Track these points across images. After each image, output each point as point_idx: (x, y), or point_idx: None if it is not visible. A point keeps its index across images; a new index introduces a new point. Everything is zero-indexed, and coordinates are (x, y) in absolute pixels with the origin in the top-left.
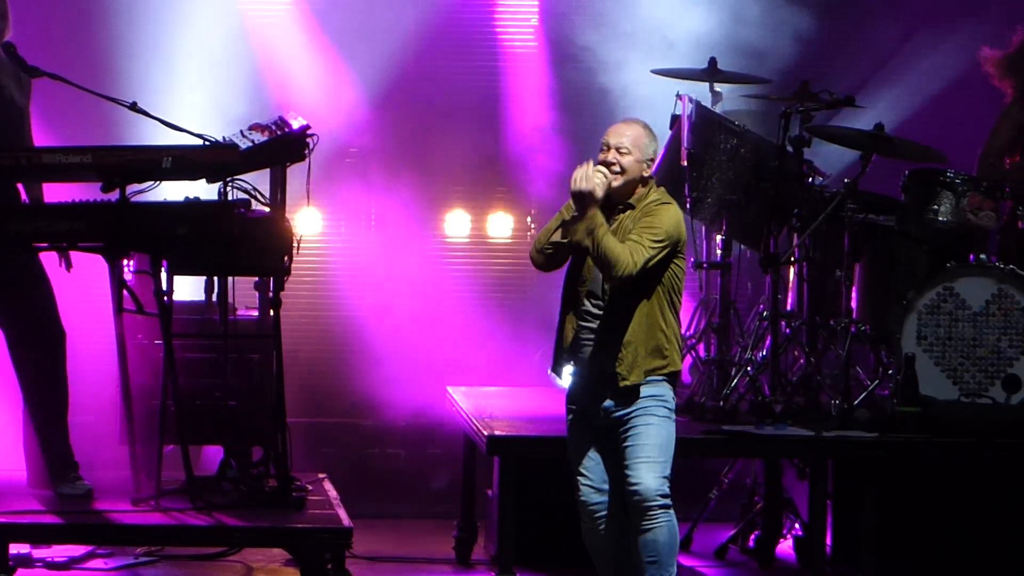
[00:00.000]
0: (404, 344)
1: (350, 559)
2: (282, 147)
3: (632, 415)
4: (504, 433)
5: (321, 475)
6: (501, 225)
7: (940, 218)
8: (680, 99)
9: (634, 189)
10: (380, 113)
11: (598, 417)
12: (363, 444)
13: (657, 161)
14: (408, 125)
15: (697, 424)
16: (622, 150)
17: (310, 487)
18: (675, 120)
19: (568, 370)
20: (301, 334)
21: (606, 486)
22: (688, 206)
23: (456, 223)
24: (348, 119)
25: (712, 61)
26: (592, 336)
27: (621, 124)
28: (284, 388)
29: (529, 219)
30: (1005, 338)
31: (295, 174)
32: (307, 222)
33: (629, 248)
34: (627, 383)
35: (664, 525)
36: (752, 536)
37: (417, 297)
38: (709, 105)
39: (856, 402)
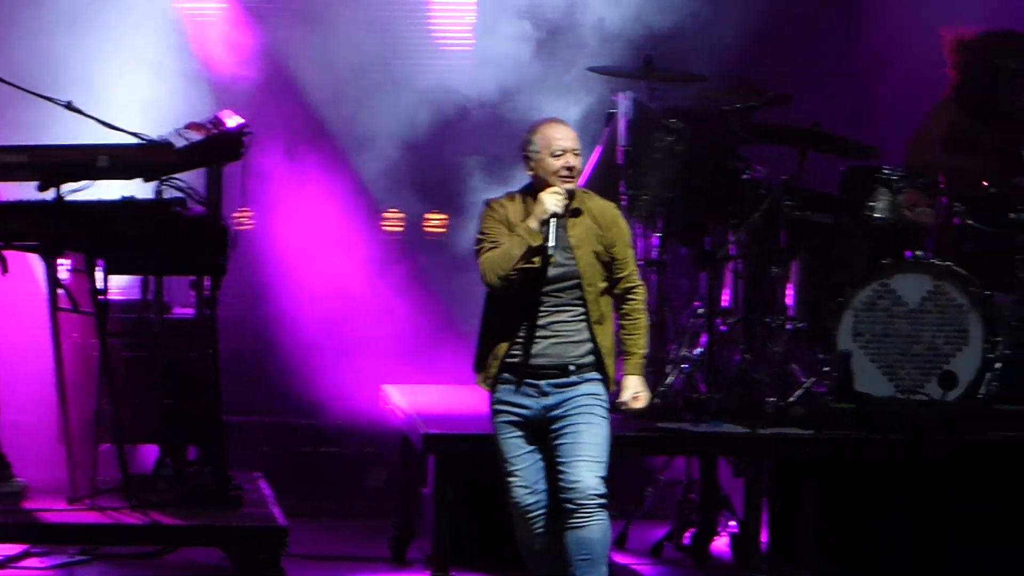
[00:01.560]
0: (340, 342)
1: (285, 558)
2: (218, 146)
3: (570, 413)
4: (440, 431)
5: (257, 474)
6: (437, 223)
7: (877, 215)
8: (616, 97)
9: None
10: (317, 111)
11: (537, 416)
12: (299, 443)
13: (593, 159)
14: (345, 123)
15: (633, 421)
16: (576, 151)
17: (246, 486)
18: (611, 118)
19: (493, 371)
20: (237, 332)
21: (540, 486)
22: (624, 204)
23: (392, 220)
24: (284, 117)
25: (648, 59)
26: (553, 333)
27: (562, 126)
28: (220, 387)
29: (465, 217)
30: (941, 335)
31: (231, 172)
32: (243, 220)
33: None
34: (608, 373)
35: (599, 523)
36: (688, 534)
37: (353, 295)
38: (645, 103)
39: (792, 399)
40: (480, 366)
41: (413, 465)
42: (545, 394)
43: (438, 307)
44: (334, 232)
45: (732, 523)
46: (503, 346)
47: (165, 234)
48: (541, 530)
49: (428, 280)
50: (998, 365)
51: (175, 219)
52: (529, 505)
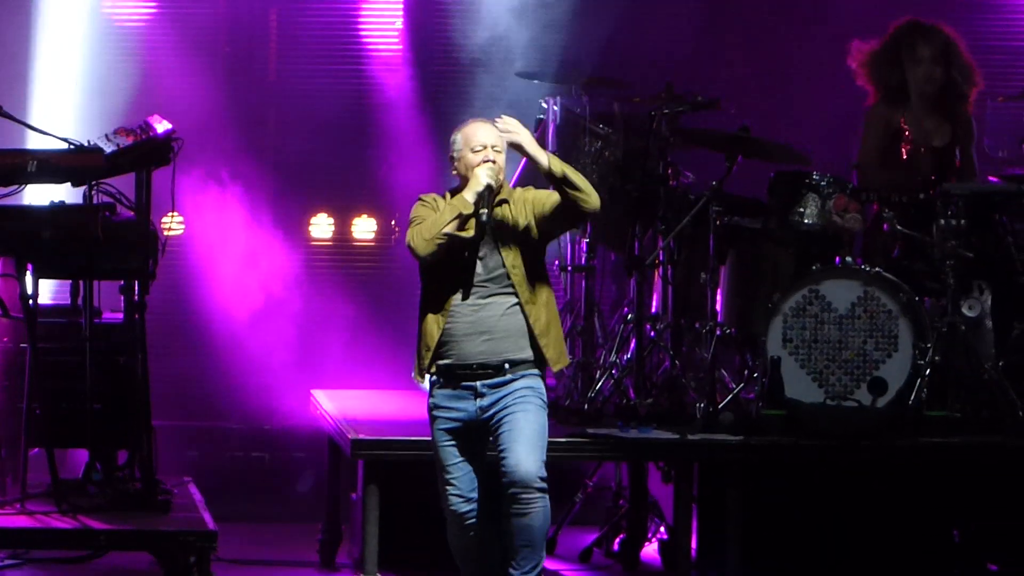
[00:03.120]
0: (269, 347)
1: (215, 562)
2: (147, 151)
3: (507, 405)
4: (368, 436)
5: (186, 478)
6: (365, 228)
7: (806, 220)
8: (545, 102)
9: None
10: (245, 116)
11: (473, 418)
12: (228, 447)
13: (522, 164)
14: (273, 128)
15: (562, 427)
16: (497, 148)
17: (175, 490)
18: (540, 123)
19: (426, 362)
20: (166, 337)
21: (474, 495)
22: None
23: (320, 226)
24: (213, 122)
25: (575, 64)
26: (486, 329)
27: (483, 124)
28: (149, 391)
29: (393, 222)
30: (871, 340)
31: (160, 178)
32: (172, 225)
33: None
34: (560, 366)
35: (540, 509)
36: (617, 539)
37: (281, 300)
38: (573, 108)
39: (721, 405)
40: (417, 363)
41: (342, 470)
42: (481, 395)
43: (367, 312)
44: (263, 237)
45: (661, 529)
46: (435, 339)
47: (94, 239)
48: (474, 535)
49: (357, 285)
50: (927, 371)
51: (104, 224)
52: (463, 513)
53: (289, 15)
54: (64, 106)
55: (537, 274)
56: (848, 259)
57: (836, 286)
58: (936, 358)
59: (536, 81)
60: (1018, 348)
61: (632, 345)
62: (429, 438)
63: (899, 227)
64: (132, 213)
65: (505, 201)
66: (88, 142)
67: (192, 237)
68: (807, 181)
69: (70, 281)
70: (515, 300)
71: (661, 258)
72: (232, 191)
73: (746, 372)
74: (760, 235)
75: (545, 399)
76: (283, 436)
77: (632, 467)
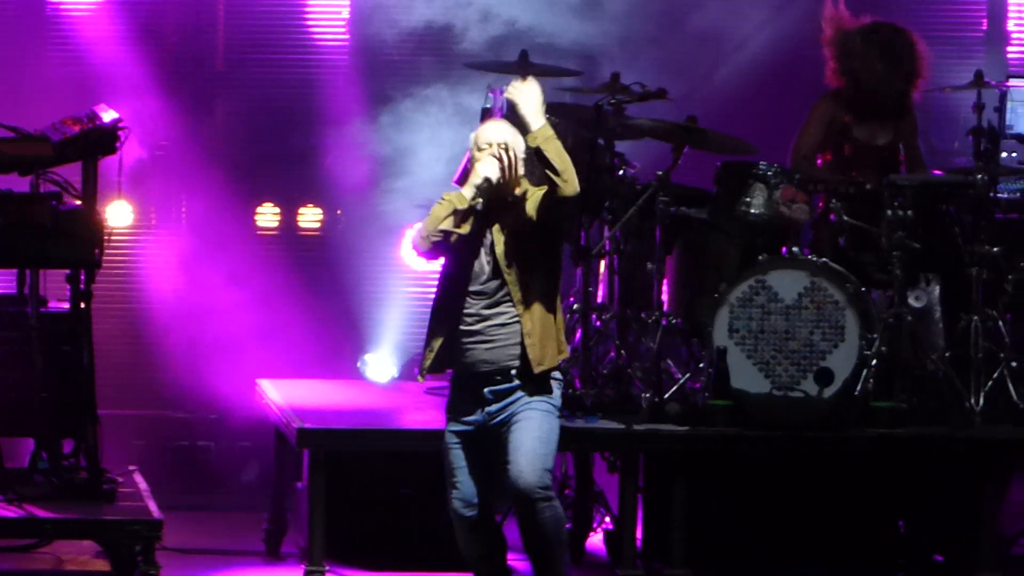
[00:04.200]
0: (215, 336)
1: (160, 551)
2: (94, 140)
3: (516, 411)
4: (314, 426)
5: (132, 467)
6: (311, 218)
7: (752, 211)
8: (491, 92)
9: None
10: (191, 106)
11: (482, 423)
12: (174, 436)
13: (468, 153)
14: (220, 118)
15: None
16: (504, 145)
17: (121, 479)
18: (486, 113)
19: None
20: (112, 326)
21: (475, 500)
22: None
23: (266, 215)
24: (160, 111)
25: (523, 54)
26: (489, 338)
27: (496, 123)
28: (95, 380)
29: (339, 211)
30: (818, 331)
31: (107, 166)
32: (118, 215)
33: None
34: (543, 367)
35: (547, 518)
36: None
37: (227, 289)
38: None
39: (667, 395)
40: (421, 366)
41: (287, 459)
42: (488, 401)
43: (313, 302)
44: (210, 226)
45: (607, 519)
46: (439, 341)
47: (40, 228)
48: (477, 538)
49: (303, 275)
50: (874, 362)
51: (51, 213)
52: (466, 517)
53: (236, 4)
54: (8, 95)
55: (539, 274)
56: (795, 249)
57: (783, 276)
58: (883, 349)
59: (483, 71)
60: (965, 339)
61: (578, 335)
62: (374, 428)
63: (846, 218)
64: (79, 202)
65: (515, 200)
66: (35, 131)
67: (138, 226)
68: (754, 171)
69: (16, 270)
70: (512, 303)
71: (608, 248)
72: (179, 180)
73: (692, 362)
74: (707, 225)
75: (556, 401)
76: (229, 425)
77: (578, 457)
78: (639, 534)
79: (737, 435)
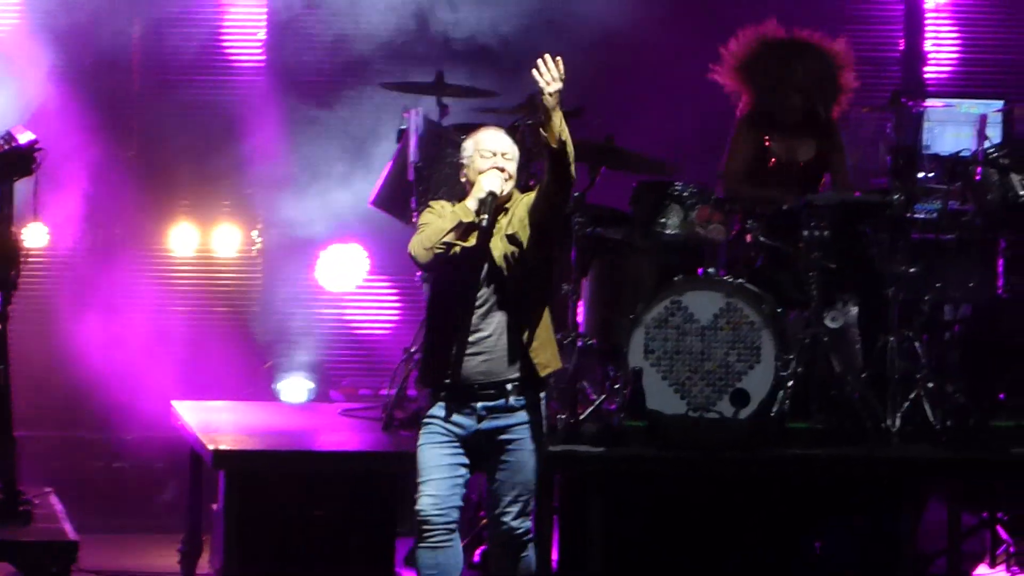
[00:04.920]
0: (130, 358)
1: (76, 573)
2: (9, 161)
3: (507, 443)
4: (229, 447)
5: (47, 489)
6: (227, 239)
7: (668, 231)
8: (407, 113)
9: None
10: (109, 127)
11: (469, 436)
12: (90, 458)
13: (384, 174)
14: (136, 139)
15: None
16: (508, 156)
17: (36, 501)
18: (402, 134)
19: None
20: (28, 347)
21: (449, 503)
22: (415, 220)
23: (182, 237)
24: (77, 133)
25: (439, 74)
26: (485, 349)
27: (496, 131)
28: (11, 401)
29: (256, 232)
30: (734, 352)
31: (23, 188)
32: (34, 236)
33: None
34: (549, 370)
35: (530, 561)
36: (478, 551)
37: (143, 311)
38: (435, 119)
39: (583, 416)
40: (422, 381)
41: (203, 481)
42: (481, 417)
43: (228, 322)
44: (126, 247)
45: None
46: (436, 355)
47: None
48: (444, 546)
49: (218, 295)
50: (790, 383)
51: None
52: (432, 516)
53: (152, 26)
54: None
55: (533, 283)
56: (711, 270)
57: (698, 297)
58: (799, 370)
59: (399, 91)
60: (882, 360)
61: None
62: (291, 450)
63: (763, 238)
64: None
65: (506, 210)
66: None
67: (54, 247)
68: (670, 191)
69: None
70: (508, 313)
71: None
72: (95, 201)
73: (608, 383)
74: (623, 246)
75: (543, 426)
76: (144, 446)
77: None
78: (555, 555)
79: (653, 456)
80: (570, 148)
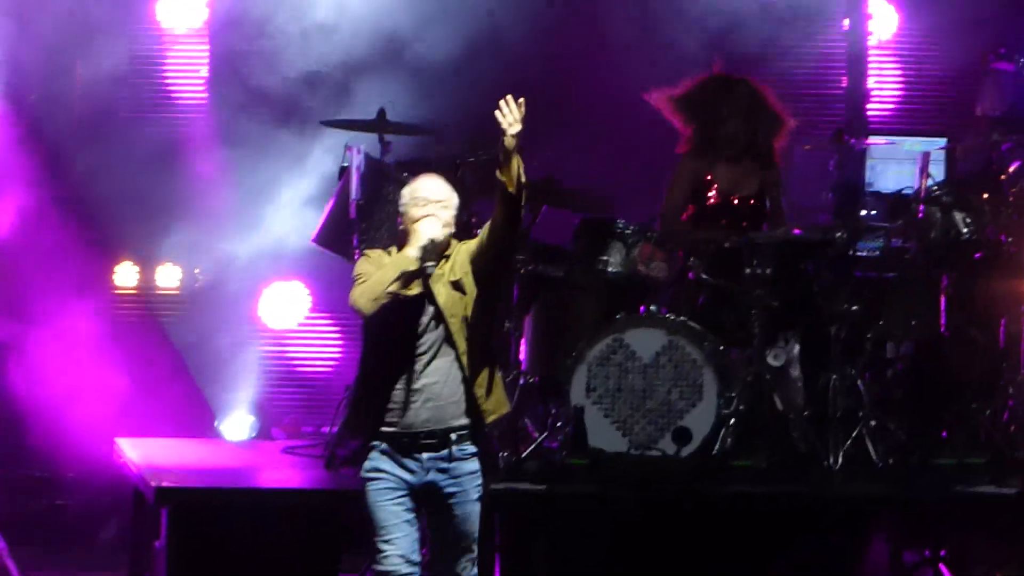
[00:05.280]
0: (72, 395)
1: None
2: None
3: (450, 497)
4: (171, 484)
5: None
6: (169, 276)
7: (610, 268)
8: (348, 150)
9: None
10: (51, 165)
11: (418, 484)
12: (31, 495)
13: (326, 212)
14: (78, 177)
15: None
16: (443, 203)
17: None
18: (344, 171)
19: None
20: None
21: (416, 556)
22: (357, 258)
23: (124, 274)
24: (18, 170)
25: (381, 112)
26: (431, 396)
27: (433, 180)
28: None
29: (197, 270)
30: (676, 390)
31: None
32: None
33: None
34: (494, 416)
35: None
36: None
37: (85, 347)
38: (376, 156)
39: (524, 454)
40: (354, 429)
41: (145, 518)
42: (426, 469)
43: (170, 360)
44: (68, 284)
45: None
46: (375, 404)
47: None
48: None
49: (160, 333)
50: (732, 421)
51: None
52: (404, 575)
53: (94, 62)
54: None
55: (478, 329)
56: (653, 308)
57: (641, 335)
58: (741, 407)
59: (340, 128)
60: (824, 397)
61: None
62: (231, 487)
63: (705, 276)
64: None
65: (447, 257)
66: None
67: None
68: (612, 229)
69: None
70: (454, 359)
71: None
72: (36, 238)
73: (550, 421)
74: (564, 283)
75: (481, 482)
76: (86, 484)
77: None
78: None
79: (595, 494)
80: (525, 191)
